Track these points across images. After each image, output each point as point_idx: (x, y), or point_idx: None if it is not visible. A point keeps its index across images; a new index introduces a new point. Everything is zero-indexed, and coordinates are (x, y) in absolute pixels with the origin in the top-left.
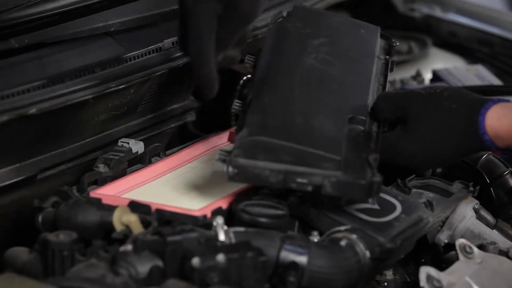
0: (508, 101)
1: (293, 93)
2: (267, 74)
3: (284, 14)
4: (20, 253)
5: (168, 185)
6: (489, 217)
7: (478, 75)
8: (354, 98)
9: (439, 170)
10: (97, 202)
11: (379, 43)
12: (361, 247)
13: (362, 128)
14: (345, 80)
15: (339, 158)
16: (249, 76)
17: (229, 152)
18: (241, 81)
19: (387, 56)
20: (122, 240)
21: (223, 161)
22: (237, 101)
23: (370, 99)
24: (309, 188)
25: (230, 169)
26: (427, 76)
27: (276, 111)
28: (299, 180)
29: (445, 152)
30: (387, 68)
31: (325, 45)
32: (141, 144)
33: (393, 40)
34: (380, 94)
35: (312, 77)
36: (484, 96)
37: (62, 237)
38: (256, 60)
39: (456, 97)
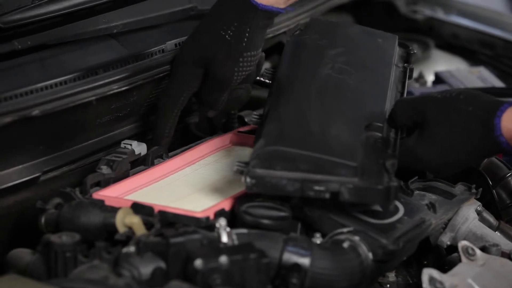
0: None
1: (309, 103)
2: (284, 85)
3: (301, 27)
4: (23, 254)
5: (171, 187)
6: (491, 219)
7: (480, 77)
8: (371, 105)
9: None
10: (100, 204)
11: (397, 51)
12: (363, 249)
13: (379, 134)
14: (362, 88)
15: (356, 165)
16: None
17: (246, 163)
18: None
19: (406, 64)
20: (125, 242)
21: (241, 172)
22: (254, 113)
23: (388, 106)
24: (327, 196)
25: (248, 179)
26: (430, 78)
27: (292, 121)
28: (316, 188)
29: (462, 155)
30: (405, 75)
31: (342, 55)
32: (144, 145)
33: (410, 48)
34: (397, 100)
35: (328, 87)
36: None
37: (65, 238)
38: (274, 72)
39: (471, 100)
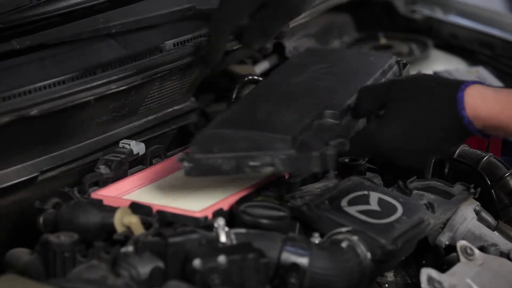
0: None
1: (266, 97)
2: (253, 90)
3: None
4: (21, 254)
5: (169, 187)
6: (490, 219)
7: (479, 77)
8: (331, 99)
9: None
10: (98, 204)
11: (393, 68)
12: (362, 249)
13: (333, 121)
14: (329, 87)
15: (291, 137)
16: (249, 77)
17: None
18: (241, 82)
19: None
20: (123, 242)
21: (182, 160)
22: None
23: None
24: (263, 170)
25: (186, 164)
26: None
27: (240, 109)
28: (251, 163)
29: (426, 137)
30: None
31: (325, 68)
32: (142, 145)
33: (399, 60)
34: (360, 87)
35: (295, 89)
36: None
37: (63, 238)
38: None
39: (435, 79)
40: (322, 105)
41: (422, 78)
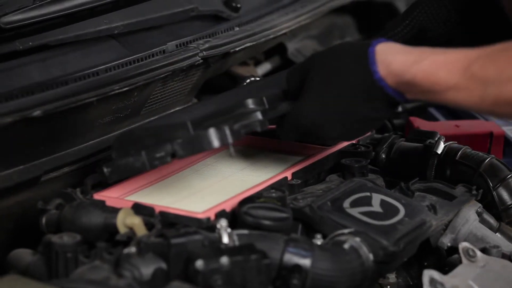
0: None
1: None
2: None
3: None
4: (24, 254)
5: (172, 188)
6: (492, 220)
7: None
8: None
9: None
10: (101, 204)
11: None
12: (364, 250)
13: (256, 107)
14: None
15: (188, 122)
16: (252, 78)
17: None
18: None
19: None
20: (126, 242)
21: (102, 166)
22: None
23: None
24: (168, 159)
25: (105, 169)
26: None
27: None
28: (158, 155)
29: (340, 101)
30: None
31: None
32: None
33: None
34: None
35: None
36: None
37: (66, 239)
38: None
39: (350, 42)
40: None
41: (338, 44)
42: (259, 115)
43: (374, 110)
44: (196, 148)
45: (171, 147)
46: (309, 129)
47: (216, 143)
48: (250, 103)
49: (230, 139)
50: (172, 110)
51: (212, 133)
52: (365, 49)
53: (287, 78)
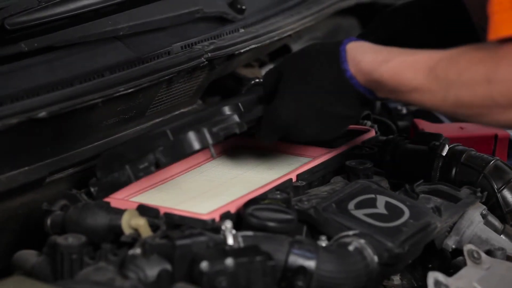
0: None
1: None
2: None
3: None
4: (29, 256)
5: (177, 189)
6: (496, 222)
7: None
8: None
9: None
10: (106, 206)
11: None
12: (369, 252)
13: (231, 113)
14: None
15: (167, 130)
16: (256, 80)
17: None
18: (248, 85)
19: None
20: (131, 244)
21: (90, 185)
22: None
23: None
24: (153, 169)
25: (92, 189)
26: None
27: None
28: (141, 166)
29: (313, 100)
30: None
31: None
32: None
33: None
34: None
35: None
36: None
37: (71, 240)
38: None
39: (323, 43)
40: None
41: (310, 44)
42: (236, 118)
43: (347, 107)
44: (178, 153)
45: (153, 157)
46: (285, 128)
47: (196, 145)
48: (226, 109)
49: (210, 140)
50: (176, 112)
51: (192, 136)
52: (336, 48)
53: (263, 81)
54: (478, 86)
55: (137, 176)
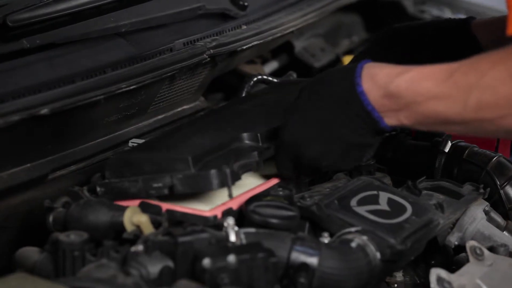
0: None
1: (193, 124)
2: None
3: None
4: (31, 253)
5: None
6: (499, 219)
7: None
8: (258, 124)
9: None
10: (108, 203)
11: None
12: (371, 249)
13: (252, 143)
14: (261, 115)
15: (189, 157)
16: (259, 77)
17: None
18: (251, 82)
19: None
20: (133, 241)
21: (96, 185)
22: None
23: None
24: (165, 191)
25: (98, 188)
26: None
27: (165, 134)
28: (155, 185)
29: (322, 115)
30: None
31: (272, 96)
32: None
33: None
34: None
35: (230, 114)
36: None
37: (73, 237)
38: None
39: (332, 69)
40: (244, 129)
41: (324, 72)
42: (255, 156)
43: (353, 132)
44: (196, 187)
45: (170, 180)
46: (290, 151)
47: (216, 185)
48: (245, 137)
49: (230, 182)
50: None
51: (213, 175)
52: (354, 65)
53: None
54: (501, 85)
55: (149, 193)
